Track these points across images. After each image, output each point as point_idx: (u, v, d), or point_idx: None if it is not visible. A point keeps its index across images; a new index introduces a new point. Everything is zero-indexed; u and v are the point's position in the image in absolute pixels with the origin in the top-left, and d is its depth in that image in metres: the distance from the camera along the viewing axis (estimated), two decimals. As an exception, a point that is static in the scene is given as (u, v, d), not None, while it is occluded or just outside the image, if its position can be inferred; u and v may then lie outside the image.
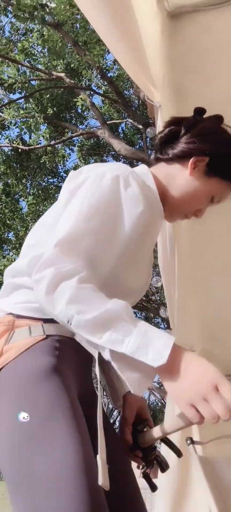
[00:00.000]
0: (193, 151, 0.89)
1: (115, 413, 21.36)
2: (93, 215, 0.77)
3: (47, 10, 5.67)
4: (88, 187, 0.80)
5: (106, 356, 0.67)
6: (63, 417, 0.66)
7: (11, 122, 7.74)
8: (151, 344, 0.63)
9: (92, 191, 0.79)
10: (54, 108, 8.73)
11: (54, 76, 7.32)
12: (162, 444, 1.20)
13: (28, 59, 7.17)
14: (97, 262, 0.76)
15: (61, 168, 11.63)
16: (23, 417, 0.65)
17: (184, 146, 0.90)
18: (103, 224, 0.78)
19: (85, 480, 0.60)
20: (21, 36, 7.75)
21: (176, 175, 0.92)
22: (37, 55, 8.09)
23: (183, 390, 0.64)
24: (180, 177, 0.92)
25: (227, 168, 0.90)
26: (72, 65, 7.81)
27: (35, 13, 5.16)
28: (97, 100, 12.22)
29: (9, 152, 9.69)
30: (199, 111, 0.93)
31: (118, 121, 10.95)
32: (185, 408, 0.65)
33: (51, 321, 0.76)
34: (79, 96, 7.65)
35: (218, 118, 0.94)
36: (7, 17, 7.66)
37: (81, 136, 9.12)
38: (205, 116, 0.93)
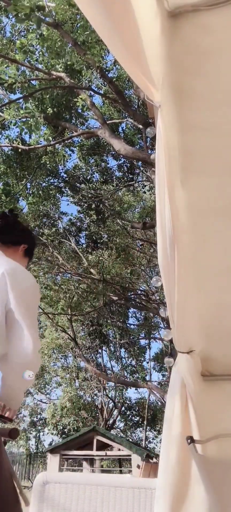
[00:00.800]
0: (21, 241, 1.63)
1: (115, 412, 21.38)
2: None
3: (46, 10, 5.66)
4: (32, 303, 1.39)
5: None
6: None
7: (11, 122, 7.73)
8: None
9: (36, 305, 1.46)
10: (54, 108, 8.72)
11: (54, 76, 7.32)
12: (162, 445, 1.20)
13: (27, 59, 7.17)
14: None
15: (62, 169, 11.63)
16: None
17: (17, 238, 1.62)
18: None
19: None
20: (22, 36, 7.75)
21: (14, 255, 1.55)
22: (37, 53, 8.08)
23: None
24: (15, 256, 1.56)
25: (31, 252, 1.70)
26: (71, 64, 7.81)
27: (32, 15, 5.15)
28: (97, 100, 12.21)
29: (9, 152, 9.68)
30: (13, 210, 1.74)
31: (118, 120, 10.96)
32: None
33: None
34: (79, 96, 7.64)
35: (17, 215, 1.78)
36: (8, 18, 7.67)
37: (81, 136, 9.12)
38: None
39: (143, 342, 20.39)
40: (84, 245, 13.66)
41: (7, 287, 1.25)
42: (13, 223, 1.66)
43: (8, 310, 1.23)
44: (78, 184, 12.37)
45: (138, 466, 9.89)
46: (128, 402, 23.10)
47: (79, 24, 6.60)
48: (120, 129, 11.47)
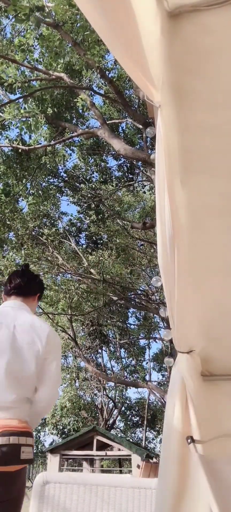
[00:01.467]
0: (38, 291, 2.03)
1: (115, 412, 21.37)
2: None
3: (46, 11, 5.66)
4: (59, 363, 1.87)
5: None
6: None
7: (11, 122, 7.72)
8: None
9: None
10: (55, 108, 8.72)
11: (54, 76, 7.31)
12: (162, 444, 1.20)
13: (27, 59, 7.16)
14: None
15: (61, 168, 11.62)
16: None
17: (35, 289, 2.01)
18: None
19: None
20: (22, 36, 7.73)
21: (32, 303, 1.96)
22: (36, 53, 8.08)
23: None
24: (33, 303, 1.98)
25: (41, 296, 2.12)
26: (71, 64, 7.80)
27: (31, 15, 5.13)
28: (98, 99, 12.21)
29: (9, 152, 9.68)
30: (28, 265, 2.11)
31: (118, 120, 10.95)
32: None
33: None
34: (79, 96, 7.64)
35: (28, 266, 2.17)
36: (8, 18, 7.66)
37: (81, 136, 9.11)
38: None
39: (142, 342, 20.40)
40: (84, 246, 13.66)
41: (49, 347, 1.74)
42: (33, 278, 2.05)
43: (45, 363, 1.73)
44: (78, 184, 12.36)
45: (138, 466, 9.89)
46: (127, 402, 23.10)
47: (79, 24, 6.59)
48: (120, 129, 11.47)
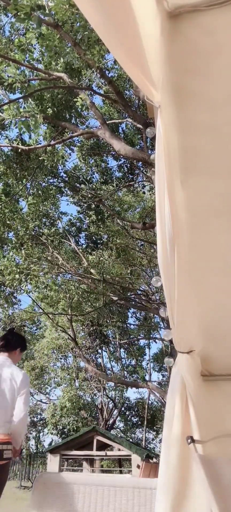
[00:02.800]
0: (18, 346, 2.99)
1: (115, 412, 21.36)
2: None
3: (47, 10, 5.66)
4: (28, 392, 2.83)
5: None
6: None
7: (11, 122, 7.70)
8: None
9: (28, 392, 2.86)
10: (54, 108, 8.71)
11: (54, 76, 7.30)
12: (162, 444, 1.21)
13: (26, 58, 7.15)
14: None
15: (61, 168, 11.61)
16: None
17: (15, 345, 2.96)
18: None
19: None
20: (21, 35, 7.72)
21: (14, 356, 2.93)
22: (36, 53, 8.06)
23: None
24: (15, 355, 2.95)
25: (25, 349, 3.14)
26: (72, 64, 7.79)
27: (33, 14, 5.12)
28: (98, 100, 12.20)
29: (9, 152, 9.68)
30: (12, 329, 3.27)
31: (118, 121, 10.95)
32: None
33: None
34: (79, 96, 7.63)
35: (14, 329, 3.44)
36: (7, 16, 7.66)
37: (81, 136, 9.11)
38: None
39: (142, 342, 20.40)
40: (84, 246, 13.66)
41: (21, 386, 2.67)
42: (13, 337, 2.99)
43: (18, 395, 2.66)
44: (78, 184, 12.36)
45: (138, 466, 9.89)
46: (127, 402, 23.10)
47: (79, 24, 6.58)
48: (120, 129, 11.47)
